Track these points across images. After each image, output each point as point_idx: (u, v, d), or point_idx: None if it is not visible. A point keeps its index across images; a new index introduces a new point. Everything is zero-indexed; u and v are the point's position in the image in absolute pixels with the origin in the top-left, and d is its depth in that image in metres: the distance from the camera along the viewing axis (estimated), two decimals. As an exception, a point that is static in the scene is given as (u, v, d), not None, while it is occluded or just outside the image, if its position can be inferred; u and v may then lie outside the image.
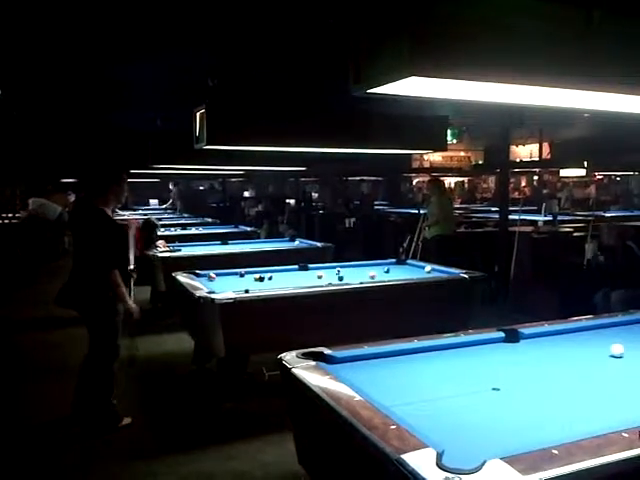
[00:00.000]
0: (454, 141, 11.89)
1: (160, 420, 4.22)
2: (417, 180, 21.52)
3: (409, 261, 6.09)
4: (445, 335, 3.01)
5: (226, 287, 4.34)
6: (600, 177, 19.43)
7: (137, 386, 4.89)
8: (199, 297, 4.07)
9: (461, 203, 17.19)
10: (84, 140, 11.38)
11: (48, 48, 5.00)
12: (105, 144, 11.43)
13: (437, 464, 1.60)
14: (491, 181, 20.51)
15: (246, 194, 20.09)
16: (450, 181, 20.33)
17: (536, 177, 17.83)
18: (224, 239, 8.05)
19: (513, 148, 13.95)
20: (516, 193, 17.38)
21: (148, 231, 7.16)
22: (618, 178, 19.48)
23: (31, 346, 6.11)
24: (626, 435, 1.75)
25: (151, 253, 6.68)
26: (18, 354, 5.86)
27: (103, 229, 3.89)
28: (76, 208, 4.09)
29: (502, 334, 3.02)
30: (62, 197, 11.88)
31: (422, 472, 1.56)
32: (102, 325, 3.90)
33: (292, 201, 15.62)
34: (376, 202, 16.84)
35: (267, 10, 3.94)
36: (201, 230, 10.21)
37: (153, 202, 18.22)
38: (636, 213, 12.74)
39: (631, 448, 1.69)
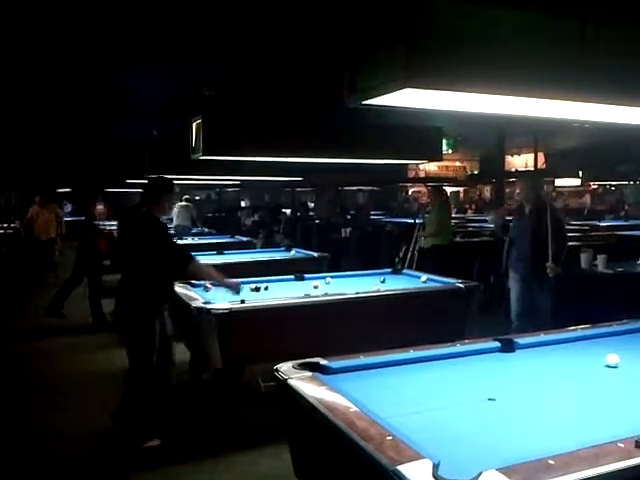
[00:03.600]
0: (449, 151, 11.96)
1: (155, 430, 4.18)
2: (413, 190, 21.58)
3: (405, 271, 6.09)
4: (441, 345, 3.00)
5: (222, 297, 4.33)
6: (595, 187, 19.53)
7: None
8: (195, 307, 4.06)
9: (456, 213, 17.22)
10: (80, 150, 11.39)
11: (46, 58, 5.02)
12: (101, 154, 11.45)
13: (433, 475, 1.59)
14: (486, 190, 20.58)
15: (242, 204, 19.85)
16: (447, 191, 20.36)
17: (531, 187, 17.86)
18: (220, 249, 8.04)
19: (508, 158, 14.04)
20: (511, 202, 17.40)
21: None
22: (613, 188, 19.58)
23: (23, 356, 6.08)
24: (622, 445, 1.75)
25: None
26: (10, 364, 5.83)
27: (166, 234, 4.01)
28: (129, 218, 4.09)
29: (498, 344, 3.01)
30: (55, 207, 11.75)
31: (418, 483, 1.55)
32: (141, 340, 3.85)
33: (288, 211, 15.63)
34: (372, 212, 16.85)
35: (263, 22, 3.97)
36: (197, 240, 10.20)
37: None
38: (631, 222, 12.80)
39: (627, 458, 1.68)
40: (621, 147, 10.36)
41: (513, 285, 5.38)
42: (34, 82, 6.00)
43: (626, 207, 16.40)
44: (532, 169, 12.77)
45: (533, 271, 5.16)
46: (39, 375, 5.43)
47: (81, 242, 7.59)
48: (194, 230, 11.69)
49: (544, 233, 5.02)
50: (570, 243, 7.56)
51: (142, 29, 4.16)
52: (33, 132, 9.69)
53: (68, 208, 16.76)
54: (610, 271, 5.87)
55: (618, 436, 1.80)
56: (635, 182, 16.13)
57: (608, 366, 2.72)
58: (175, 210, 11.48)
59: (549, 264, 4.96)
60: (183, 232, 10.85)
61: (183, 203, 11.91)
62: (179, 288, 4.81)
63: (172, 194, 4.17)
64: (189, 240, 10.17)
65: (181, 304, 4.41)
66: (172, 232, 10.73)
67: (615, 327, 3.40)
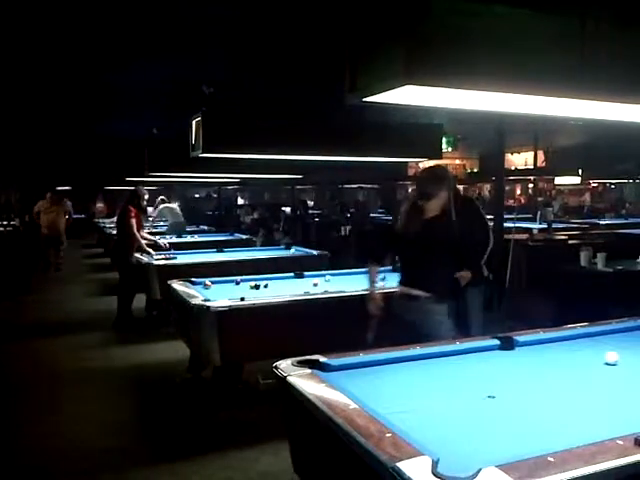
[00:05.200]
0: (449, 149, 11.95)
1: (155, 429, 4.19)
2: (412, 188, 21.57)
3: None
4: (440, 342, 3.01)
5: (222, 295, 4.33)
6: (595, 185, 19.52)
7: (132, 394, 4.87)
8: (194, 305, 4.07)
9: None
10: (80, 148, 11.39)
11: (46, 56, 5.01)
12: (101, 152, 11.44)
13: (433, 472, 1.59)
14: (486, 189, 20.57)
15: (240, 201, 19.74)
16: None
17: (531, 185, 17.90)
18: (220, 247, 8.05)
19: (508, 156, 14.04)
20: (511, 201, 17.44)
21: None
22: (613, 186, 19.58)
23: (22, 353, 6.09)
24: (621, 442, 1.75)
25: (146, 261, 6.67)
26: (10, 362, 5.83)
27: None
28: None
29: (497, 342, 3.02)
30: (65, 204, 11.85)
31: (418, 480, 1.55)
32: None
33: (288, 209, 15.63)
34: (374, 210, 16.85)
35: (263, 19, 3.96)
36: (197, 238, 10.21)
37: (149, 209, 18.02)
38: (631, 220, 12.81)
39: (626, 455, 1.68)
40: (621, 145, 10.35)
41: None
42: (34, 80, 6.00)
43: (627, 205, 16.41)
44: (532, 167, 12.78)
45: None
46: (38, 372, 5.44)
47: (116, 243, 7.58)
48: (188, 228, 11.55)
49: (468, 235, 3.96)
50: (570, 241, 7.60)
51: (142, 26, 4.16)
52: (33, 130, 9.69)
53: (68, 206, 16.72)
54: (610, 269, 5.88)
55: (617, 433, 1.80)
56: (635, 180, 16.13)
57: (607, 364, 2.72)
58: (162, 212, 11.34)
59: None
60: (177, 230, 10.67)
61: (168, 205, 11.61)
62: (178, 285, 4.82)
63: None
64: (188, 238, 10.18)
65: (180, 301, 4.41)
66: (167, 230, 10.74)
67: (614, 325, 3.40)
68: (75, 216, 12.81)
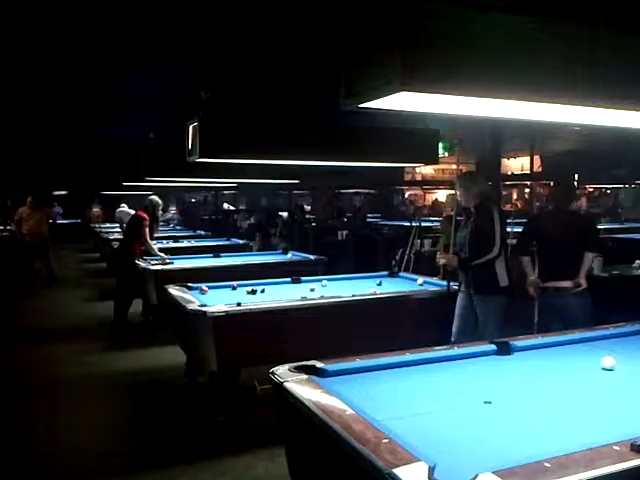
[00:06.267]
0: (446, 154, 11.97)
1: (151, 434, 4.18)
2: (409, 193, 21.60)
3: (401, 274, 6.09)
4: (437, 348, 3.01)
5: (218, 300, 4.32)
6: (591, 190, 19.58)
7: (128, 399, 4.85)
8: (191, 310, 4.06)
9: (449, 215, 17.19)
10: (76, 152, 11.36)
11: (42, 61, 5.01)
12: (97, 156, 11.42)
13: (429, 478, 1.59)
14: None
15: (225, 206, 19.74)
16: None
17: (527, 190, 17.95)
18: (216, 252, 8.05)
19: (504, 161, 14.07)
20: (508, 206, 17.47)
21: None
22: (609, 191, 19.64)
23: (20, 359, 6.06)
24: (617, 448, 1.75)
25: (143, 266, 6.66)
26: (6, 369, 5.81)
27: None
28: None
29: (494, 347, 3.02)
30: (48, 211, 11.55)
31: (414, 486, 1.55)
32: None
33: (285, 214, 15.62)
34: (369, 215, 16.85)
35: (259, 23, 3.97)
36: (193, 243, 10.21)
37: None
38: (627, 225, 12.84)
39: (622, 461, 1.69)
40: (616, 151, 10.40)
41: (459, 296, 4.50)
42: (30, 85, 5.99)
43: (619, 210, 16.45)
44: (528, 172, 12.82)
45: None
46: (34, 378, 5.42)
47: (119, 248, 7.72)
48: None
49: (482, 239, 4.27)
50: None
51: (138, 31, 4.16)
52: (29, 134, 9.68)
53: (59, 211, 16.73)
54: (606, 274, 5.88)
55: (614, 439, 1.81)
56: (630, 186, 16.19)
57: (604, 369, 2.72)
58: (119, 214, 12.30)
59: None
60: None
61: (122, 209, 12.49)
62: (175, 291, 4.81)
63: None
64: (185, 243, 10.17)
65: (177, 306, 4.40)
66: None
67: (611, 330, 3.41)
68: (70, 221, 12.71)
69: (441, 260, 4.51)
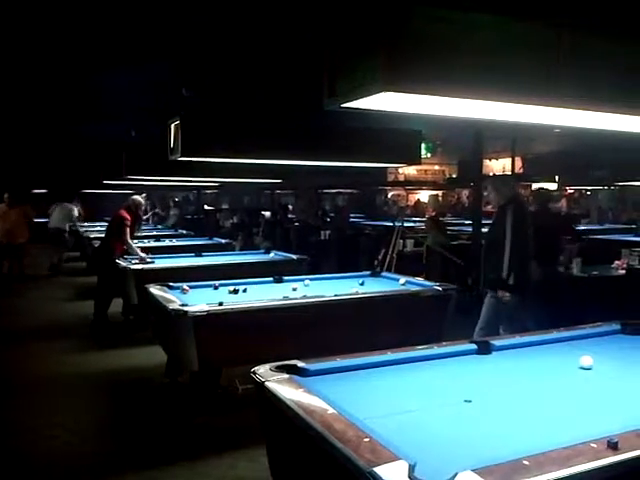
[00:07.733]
0: (428, 155, 12.06)
1: (132, 434, 4.15)
2: (392, 193, 21.66)
3: (384, 273, 6.11)
4: (418, 347, 3.02)
5: (200, 299, 4.29)
6: (571, 191, 19.79)
7: (108, 399, 4.81)
8: (172, 310, 4.03)
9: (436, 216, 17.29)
10: (57, 150, 11.21)
11: (23, 59, 4.95)
12: (78, 154, 11.28)
13: (409, 477, 1.60)
14: (465, 194, 20.74)
15: (206, 207, 19.52)
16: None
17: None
18: (198, 251, 8.01)
19: (486, 162, 14.17)
20: (489, 206, 17.60)
21: None
22: (589, 192, 19.86)
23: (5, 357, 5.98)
24: (594, 446, 1.78)
25: (123, 265, 6.60)
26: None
27: None
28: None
29: (474, 346, 3.04)
30: (26, 209, 11.16)
31: (394, 485, 1.55)
32: None
33: (267, 213, 15.57)
34: (352, 215, 16.85)
35: (243, 23, 3.96)
36: (175, 242, 10.13)
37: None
38: (606, 226, 13.01)
39: (599, 458, 1.71)
40: (595, 153, 10.53)
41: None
42: (10, 81, 5.91)
43: (594, 211, 16.66)
44: (509, 173, 12.92)
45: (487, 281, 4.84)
46: (12, 378, 5.34)
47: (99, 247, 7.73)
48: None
49: (500, 238, 4.60)
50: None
51: (120, 29, 4.13)
52: (8, 131, 9.54)
53: (78, 207, 15.60)
54: (585, 274, 5.96)
55: (591, 437, 1.83)
56: (609, 187, 16.39)
57: (582, 368, 2.76)
58: (53, 210, 12.28)
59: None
60: (57, 234, 11.63)
61: (61, 204, 12.35)
62: (155, 290, 4.78)
63: None
64: (166, 242, 10.09)
65: (158, 306, 4.37)
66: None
67: (589, 329, 3.45)
68: (47, 220, 12.41)
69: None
